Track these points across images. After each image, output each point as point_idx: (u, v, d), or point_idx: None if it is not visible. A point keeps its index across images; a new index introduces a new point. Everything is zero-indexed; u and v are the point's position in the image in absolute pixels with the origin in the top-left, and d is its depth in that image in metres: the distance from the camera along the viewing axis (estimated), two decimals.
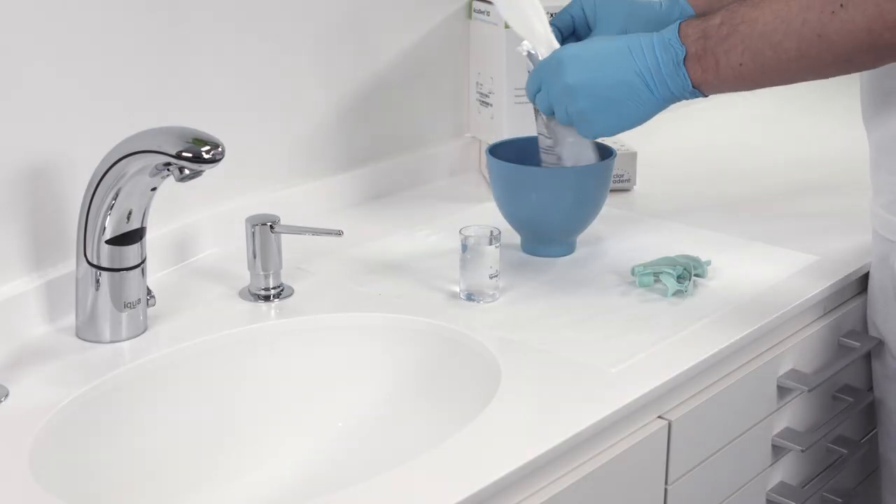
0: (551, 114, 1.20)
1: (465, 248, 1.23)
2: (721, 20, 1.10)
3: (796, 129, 1.91)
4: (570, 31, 1.30)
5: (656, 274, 1.27)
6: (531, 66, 1.24)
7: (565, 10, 1.31)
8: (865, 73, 1.24)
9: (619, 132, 1.17)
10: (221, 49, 1.34)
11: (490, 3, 1.55)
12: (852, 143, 1.73)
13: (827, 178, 1.65)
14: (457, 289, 1.26)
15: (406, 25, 1.56)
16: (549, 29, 1.24)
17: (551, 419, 1.02)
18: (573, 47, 1.17)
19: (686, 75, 1.11)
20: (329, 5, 1.45)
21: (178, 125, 1.10)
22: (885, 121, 1.22)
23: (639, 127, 1.76)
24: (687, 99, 1.14)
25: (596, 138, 1.20)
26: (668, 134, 1.88)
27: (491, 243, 1.23)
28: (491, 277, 1.23)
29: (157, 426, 1.11)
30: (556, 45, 1.23)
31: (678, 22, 1.13)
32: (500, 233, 1.24)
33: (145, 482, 1.08)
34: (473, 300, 1.23)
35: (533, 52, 1.24)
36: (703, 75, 1.11)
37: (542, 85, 1.19)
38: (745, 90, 1.13)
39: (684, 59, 1.11)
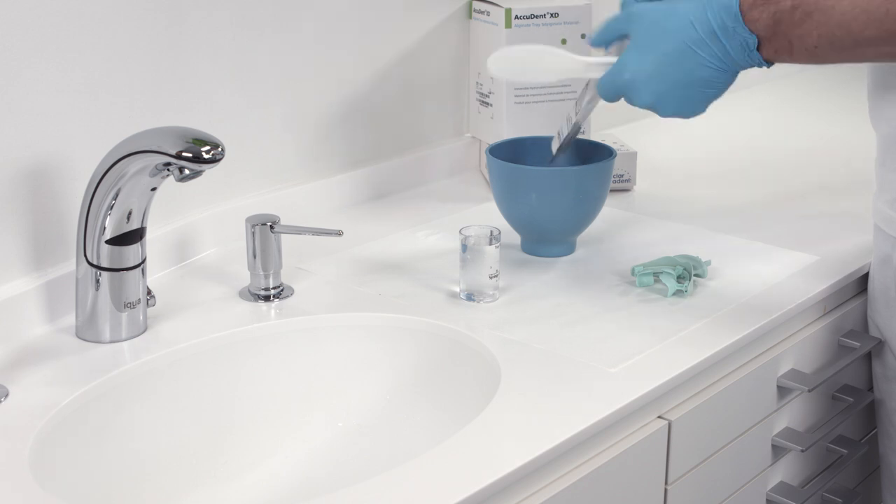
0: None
1: (465, 248, 1.23)
2: (792, 4, 1.09)
3: (797, 128, 1.91)
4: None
5: (656, 274, 1.27)
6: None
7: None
8: (871, 69, 1.24)
9: (709, 106, 1.17)
10: (221, 49, 1.34)
11: (492, 3, 1.55)
12: (853, 142, 1.74)
13: (827, 179, 1.65)
14: (457, 289, 1.26)
15: (406, 25, 1.56)
16: (577, 56, 1.22)
17: (551, 419, 1.02)
18: (631, 62, 1.14)
19: (760, 58, 1.11)
20: (329, 5, 1.45)
21: (178, 125, 1.10)
22: (893, 116, 1.22)
23: (642, 127, 1.77)
24: (759, 67, 1.13)
25: (691, 118, 1.19)
26: (668, 134, 1.89)
27: (491, 243, 1.23)
28: (491, 277, 1.23)
29: (157, 426, 1.11)
30: (597, 60, 1.20)
31: (735, 3, 1.10)
32: (500, 233, 1.24)
33: (145, 482, 1.08)
34: (473, 300, 1.23)
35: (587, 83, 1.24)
36: (776, 54, 1.11)
37: (624, 98, 1.18)
38: (814, 64, 1.12)
39: (756, 46, 1.10)
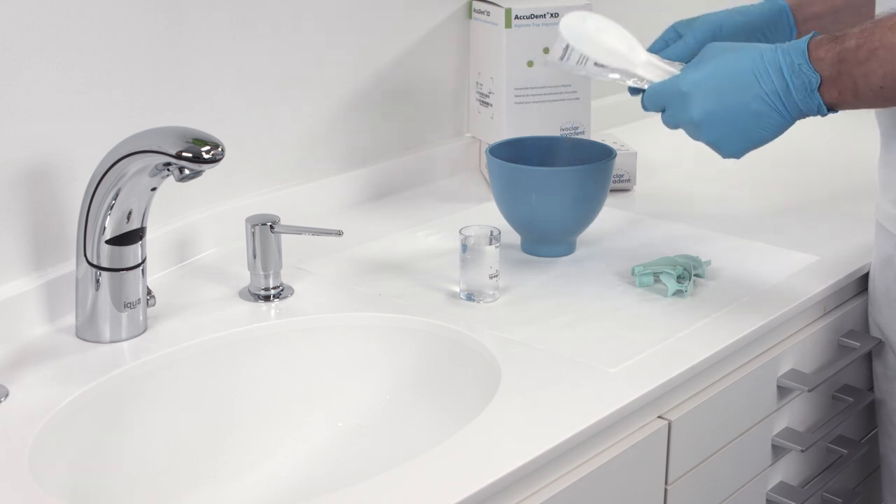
0: (675, 128, 1.18)
1: (465, 248, 1.23)
2: (857, 43, 1.08)
3: (797, 128, 1.91)
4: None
5: (656, 274, 1.27)
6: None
7: (661, 37, 1.30)
8: None
9: (748, 151, 1.16)
10: (221, 49, 1.34)
11: (492, 3, 1.55)
12: (854, 142, 1.74)
13: (827, 178, 1.65)
14: (457, 289, 1.26)
15: (406, 25, 1.56)
16: (642, 50, 1.20)
17: (551, 419, 1.02)
18: (693, 75, 1.14)
19: (820, 100, 1.10)
20: (329, 5, 1.45)
21: (178, 125, 1.10)
22: None
23: (642, 127, 1.77)
24: (817, 115, 1.12)
25: (728, 159, 1.18)
26: (668, 134, 1.88)
27: (491, 243, 1.23)
28: (491, 277, 1.23)
29: (157, 426, 1.11)
30: (661, 63, 1.19)
31: (805, 42, 1.10)
32: (500, 233, 1.24)
33: (145, 482, 1.08)
34: (473, 300, 1.23)
35: (638, 83, 1.20)
36: (840, 97, 1.10)
37: (666, 109, 1.16)
38: (883, 107, 1.12)
39: (818, 86, 1.09)
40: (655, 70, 1.18)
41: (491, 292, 1.24)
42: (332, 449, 1.16)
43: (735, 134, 1.13)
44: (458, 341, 1.17)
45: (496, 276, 1.23)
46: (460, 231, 1.24)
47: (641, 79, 1.19)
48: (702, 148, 1.84)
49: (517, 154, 1.37)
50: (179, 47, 1.29)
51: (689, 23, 1.31)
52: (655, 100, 1.17)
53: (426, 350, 1.19)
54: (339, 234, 1.25)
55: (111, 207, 1.09)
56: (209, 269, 1.32)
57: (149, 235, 1.16)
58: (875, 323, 1.33)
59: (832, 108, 1.11)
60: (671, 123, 1.17)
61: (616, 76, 1.20)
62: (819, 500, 1.35)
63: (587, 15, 1.21)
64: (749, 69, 1.12)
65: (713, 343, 1.15)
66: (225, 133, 1.13)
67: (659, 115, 1.19)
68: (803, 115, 1.12)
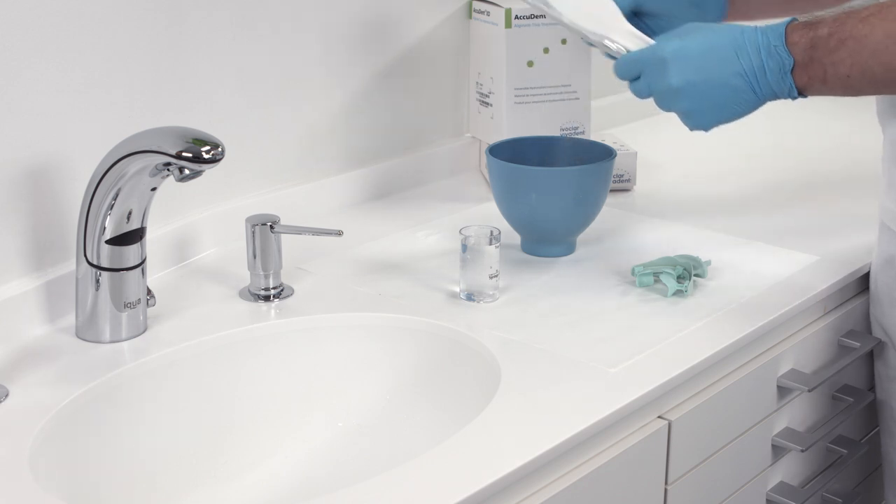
0: (645, 98, 1.19)
1: (465, 248, 1.23)
2: (829, 31, 1.10)
3: (797, 128, 1.91)
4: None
5: (656, 274, 1.27)
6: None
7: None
8: None
9: (717, 126, 1.18)
10: (221, 49, 1.34)
11: (492, 3, 1.55)
12: (854, 141, 1.74)
13: (828, 178, 1.65)
14: (457, 289, 1.26)
15: (406, 25, 1.56)
16: (624, 20, 1.21)
17: (551, 419, 1.02)
18: (674, 44, 1.16)
19: (792, 82, 1.12)
20: (329, 5, 1.45)
21: (178, 125, 1.10)
22: None
23: (642, 127, 1.77)
24: (786, 99, 1.15)
25: (695, 130, 1.20)
26: (668, 134, 1.88)
27: (491, 243, 1.23)
28: (491, 277, 1.23)
29: (157, 426, 1.11)
30: (640, 34, 1.20)
31: (784, 25, 1.13)
32: (500, 233, 1.24)
33: (145, 482, 1.08)
34: (473, 300, 1.23)
35: (614, 48, 1.20)
36: (809, 82, 1.12)
37: (642, 76, 1.18)
38: (850, 96, 1.14)
39: (791, 68, 1.12)
40: (633, 39, 1.19)
41: (491, 292, 1.24)
42: (332, 449, 1.16)
43: (710, 106, 1.15)
44: (458, 341, 1.17)
45: (496, 276, 1.23)
46: (460, 231, 1.24)
47: (617, 46, 1.20)
48: (702, 148, 1.84)
49: (517, 154, 1.37)
50: (179, 47, 1.29)
51: None
52: (631, 66, 1.18)
53: (426, 350, 1.19)
54: (339, 234, 1.25)
55: (111, 207, 1.09)
56: (209, 269, 1.32)
57: (149, 235, 1.16)
58: (878, 322, 1.33)
59: (802, 93, 1.13)
60: (643, 90, 1.18)
61: (592, 38, 1.21)
62: (819, 500, 1.35)
63: None
64: (730, 44, 1.13)
65: (713, 343, 1.15)
66: (225, 133, 1.13)
67: (630, 90, 1.20)
68: (775, 97, 1.15)
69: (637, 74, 1.18)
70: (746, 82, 1.13)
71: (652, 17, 1.34)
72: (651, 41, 1.19)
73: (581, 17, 1.21)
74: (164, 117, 1.24)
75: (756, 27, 1.14)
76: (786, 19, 1.14)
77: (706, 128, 1.18)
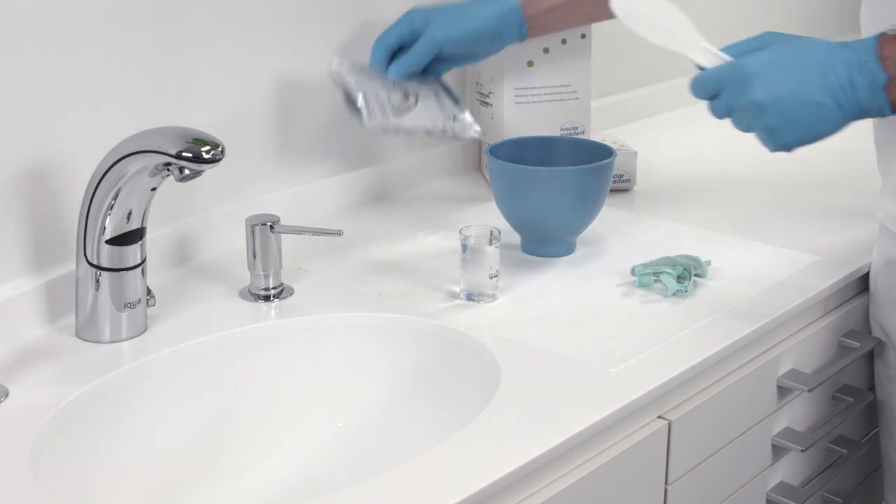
0: (724, 117, 1.13)
1: (465, 248, 1.23)
2: None
3: None
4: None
5: (656, 274, 1.27)
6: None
7: (395, 27, 1.38)
8: None
9: (800, 146, 1.12)
10: (221, 49, 1.34)
11: None
12: (854, 141, 1.74)
13: (828, 178, 1.65)
14: (457, 289, 1.26)
15: None
16: (700, 36, 1.15)
17: (551, 419, 1.02)
18: (759, 59, 1.10)
19: (885, 98, 1.07)
20: (329, 5, 1.45)
21: (178, 125, 1.10)
22: None
23: (642, 127, 1.76)
24: (879, 117, 1.10)
25: (776, 151, 1.14)
26: (668, 134, 1.89)
27: (491, 243, 1.23)
28: (491, 277, 1.23)
29: (157, 426, 1.11)
30: (716, 51, 1.14)
31: (875, 39, 1.08)
32: (500, 233, 1.24)
33: (145, 482, 1.08)
34: (473, 300, 1.23)
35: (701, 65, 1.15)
36: None
37: (721, 93, 1.11)
38: None
39: (885, 84, 1.07)
40: (711, 57, 1.14)
41: (491, 292, 1.24)
42: (332, 449, 1.16)
43: (794, 123, 1.09)
44: (458, 341, 1.17)
45: (496, 276, 1.23)
46: (460, 231, 1.24)
47: (696, 64, 1.15)
48: (702, 148, 1.84)
49: (517, 154, 1.37)
50: (179, 47, 1.29)
51: (425, 19, 1.37)
52: (710, 83, 1.12)
53: (426, 350, 1.19)
54: (339, 234, 1.25)
55: (111, 207, 1.09)
56: (209, 269, 1.32)
57: (149, 235, 1.16)
58: (877, 323, 1.33)
59: (893, 109, 1.08)
60: (722, 109, 1.12)
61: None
62: (819, 500, 1.35)
63: None
64: (817, 60, 1.09)
65: (713, 343, 1.15)
66: (225, 133, 1.13)
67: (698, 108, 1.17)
68: (864, 115, 1.09)
69: (716, 92, 1.12)
70: (833, 100, 1.08)
71: (453, 59, 1.40)
72: (727, 58, 1.13)
73: (658, 36, 1.16)
74: (164, 117, 1.24)
75: (844, 42, 1.09)
76: (874, 34, 1.09)
77: (789, 147, 1.11)
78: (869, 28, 1.23)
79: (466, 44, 1.37)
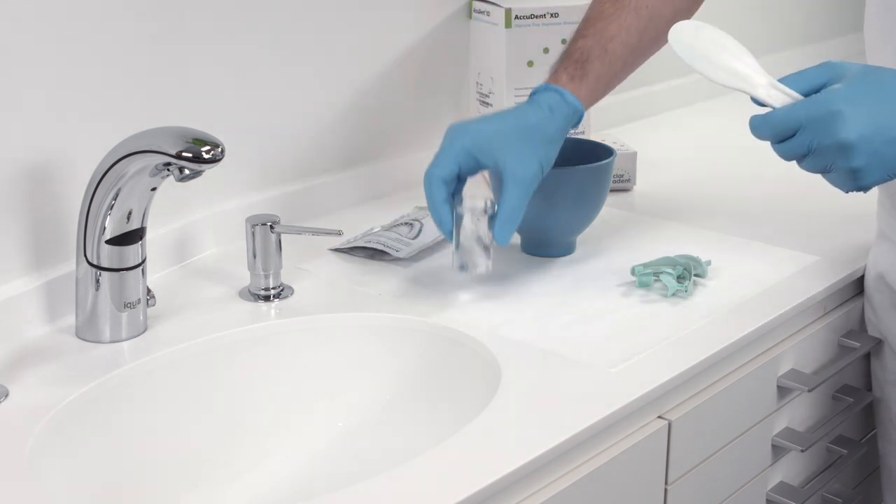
0: (796, 158, 1.07)
1: (459, 217, 1.21)
2: None
3: None
4: None
5: (656, 274, 1.27)
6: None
7: (446, 157, 1.20)
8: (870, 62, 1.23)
9: (879, 184, 1.08)
10: (221, 49, 1.34)
11: (492, 3, 1.55)
12: None
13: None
14: (457, 289, 1.26)
15: (406, 25, 1.56)
16: (762, 70, 1.09)
17: (551, 419, 1.02)
18: (842, 95, 1.03)
19: None
20: (329, 5, 1.45)
21: (178, 125, 1.10)
22: None
23: (642, 127, 1.74)
24: None
25: (853, 191, 1.09)
26: (668, 134, 1.89)
27: (486, 213, 1.21)
28: (485, 248, 1.22)
29: (157, 426, 1.11)
30: (784, 88, 1.07)
31: None
32: (494, 203, 1.21)
33: (145, 482, 1.08)
34: (466, 270, 1.22)
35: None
36: None
37: (800, 132, 1.05)
38: None
39: None
40: (777, 94, 1.08)
41: (484, 262, 1.22)
42: (332, 449, 1.16)
43: (880, 163, 1.03)
44: (458, 341, 1.17)
45: (490, 246, 1.22)
46: (455, 200, 1.21)
47: (761, 102, 1.10)
48: (702, 148, 1.84)
49: None
50: (179, 47, 1.29)
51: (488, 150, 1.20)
52: (788, 124, 1.05)
53: (426, 350, 1.19)
54: (339, 233, 1.25)
55: (111, 207, 1.09)
56: (209, 269, 1.32)
57: (149, 235, 1.16)
58: (874, 327, 1.33)
59: None
60: (800, 149, 1.05)
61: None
62: (819, 500, 1.35)
63: (700, 26, 1.12)
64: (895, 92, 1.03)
65: (713, 343, 1.15)
66: (225, 133, 1.13)
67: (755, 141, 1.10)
68: None
69: (791, 132, 1.05)
70: None
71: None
72: (797, 95, 1.07)
73: (719, 73, 1.11)
74: (164, 117, 1.24)
75: None
76: None
77: (869, 187, 1.06)
78: (874, 37, 1.22)
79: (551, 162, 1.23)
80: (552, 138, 1.22)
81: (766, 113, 1.07)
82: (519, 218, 1.19)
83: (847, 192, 1.08)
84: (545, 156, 1.21)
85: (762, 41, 2.19)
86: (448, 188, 1.20)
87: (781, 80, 1.09)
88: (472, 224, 1.21)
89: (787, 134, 1.06)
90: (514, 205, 1.18)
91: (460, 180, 1.21)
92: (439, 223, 1.20)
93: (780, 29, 2.23)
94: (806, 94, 1.07)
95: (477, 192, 1.24)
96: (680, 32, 1.12)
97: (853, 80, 1.05)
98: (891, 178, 1.05)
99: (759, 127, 1.07)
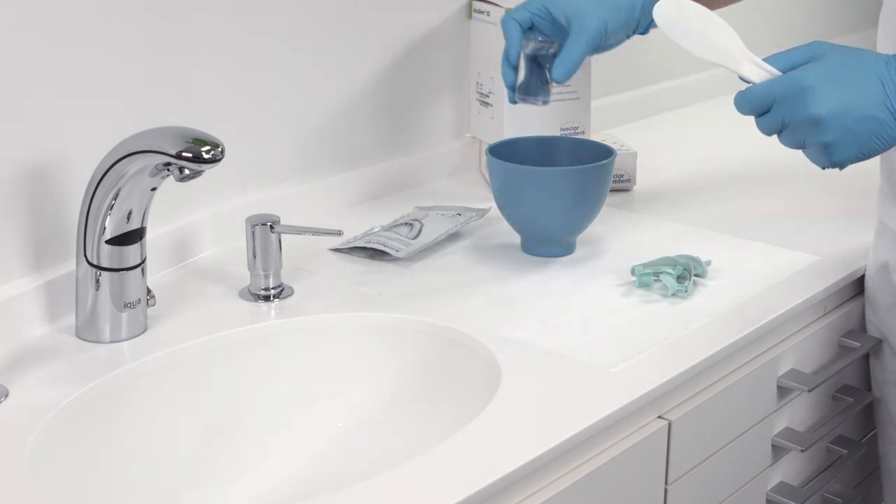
0: (774, 133, 1.09)
1: (526, 56, 1.30)
2: None
3: None
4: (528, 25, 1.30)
5: (656, 274, 1.27)
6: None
7: (524, 6, 1.30)
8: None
9: (854, 162, 1.09)
10: (221, 49, 1.34)
11: (492, 3, 1.55)
12: None
13: (828, 178, 1.65)
14: (458, 289, 1.25)
15: (406, 25, 1.56)
16: (747, 49, 1.12)
17: (551, 419, 1.02)
18: (815, 72, 1.06)
19: None
20: (329, 5, 1.45)
21: (178, 125, 1.10)
22: None
23: (642, 127, 1.74)
24: None
25: (829, 168, 1.10)
26: (668, 134, 1.89)
27: (549, 53, 1.29)
28: (545, 83, 1.30)
29: (157, 426, 1.11)
30: (766, 65, 1.11)
31: None
32: (557, 47, 1.29)
33: (145, 482, 1.08)
34: (526, 102, 1.31)
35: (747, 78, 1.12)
36: None
37: (773, 108, 1.08)
38: None
39: None
40: (759, 71, 1.11)
41: (542, 97, 1.31)
42: (332, 449, 1.16)
43: (852, 139, 1.06)
44: (458, 341, 1.17)
45: (549, 82, 1.30)
46: (523, 44, 1.29)
47: (743, 79, 1.12)
48: (702, 148, 1.84)
49: (517, 154, 1.37)
50: (179, 47, 1.29)
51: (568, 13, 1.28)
52: (763, 99, 1.08)
53: (426, 350, 1.19)
54: (339, 233, 1.25)
55: (111, 207, 1.09)
56: (209, 269, 1.32)
57: (149, 235, 1.16)
58: (875, 327, 1.33)
59: None
60: (774, 124, 1.08)
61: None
62: (819, 500, 1.35)
63: (685, 4, 1.14)
64: (875, 74, 1.06)
65: (713, 343, 1.15)
66: (225, 133, 1.13)
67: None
68: None
69: (768, 107, 1.08)
70: (890, 115, 1.05)
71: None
72: (777, 72, 1.09)
73: (703, 49, 1.12)
74: (164, 117, 1.24)
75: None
76: None
77: (843, 164, 1.08)
78: (887, 41, 1.23)
79: (616, 34, 1.29)
80: (620, 7, 1.29)
81: (746, 88, 1.10)
82: (577, 62, 1.27)
83: (823, 169, 1.10)
84: (612, 18, 1.28)
85: (762, 41, 2.19)
86: (521, 30, 1.29)
87: (767, 59, 1.11)
88: (536, 62, 1.29)
89: (763, 109, 1.08)
90: (575, 47, 1.27)
91: (532, 29, 1.31)
92: (508, 58, 1.30)
93: (780, 29, 2.23)
94: (786, 72, 1.09)
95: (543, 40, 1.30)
96: (666, 6, 1.14)
97: (831, 58, 1.07)
98: (865, 157, 1.07)
99: (740, 102, 1.10)
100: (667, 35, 1.14)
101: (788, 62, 1.10)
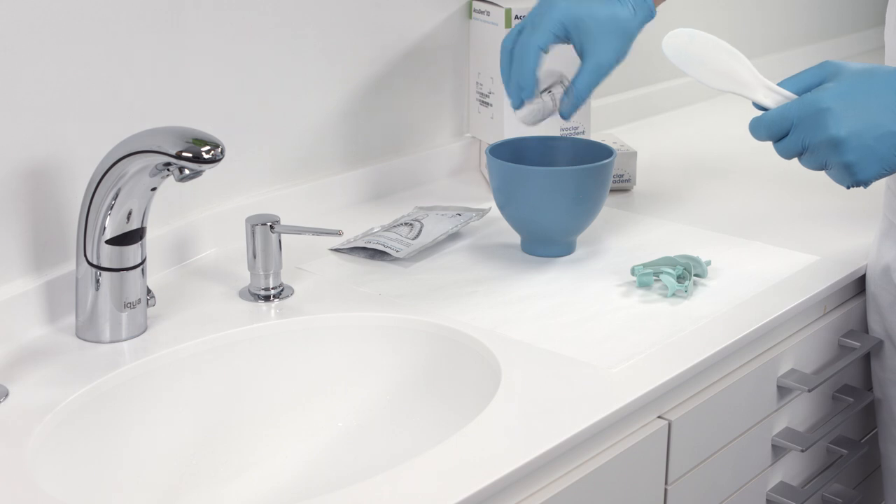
0: (794, 157, 1.09)
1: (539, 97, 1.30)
2: None
3: None
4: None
5: (656, 274, 1.27)
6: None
7: (543, 27, 1.24)
8: (889, 60, 1.23)
9: (878, 179, 1.08)
10: (221, 49, 1.34)
11: (492, 3, 1.55)
12: None
13: (827, 178, 1.65)
14: (457, 289, 1.25)
15: (406, 25, 1.56)
16: (757, 73, 1.12)
17: (551, 419, 1.02)
18: (831, 93, 1.06)
19: None
20: (329, 5, 1.45)
21: (178, 125, 1.10)
22: None
23: (642, 127, 1.74)
24: None
25: (853, 187, 1.09)
26: (668, 134, 1.89)
27: (563, 85, 1.29)
28: (549, 114, 1.30)
29: (157, 426, 1.11)
30: (778, 88, 1.10)
31: None
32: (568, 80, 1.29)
33: (145, 482, 1.08)
34: (528, 125, 1.31)
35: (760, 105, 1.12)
36: None
37: (792, 132, 1.07)
38: None
39: None
40: (773, 96, 1.11)
41: (543, 120, 1.31)
42: (332, 449, 1.16)
43: (873, 156, 1.05)
44: (458, 341, 1.17)
45: (553, 113, 1.30)
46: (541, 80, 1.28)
47: (758, 105, 1.12)
48: (702, 148, 1.84)
49: (517, 154, 1.38)
50: (179, 47, 1.29)
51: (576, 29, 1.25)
52: (780, 123, 1.08)
53: (426, 350, 1.19)
54: (339, 233, 1.25)
55: (111, 207, 1.09)
56: (209, 269, 1.32)
57: (149, 235, 1.16)
58: (877, 326, 1.33)
59: None
60: (794, 147, 1.08)
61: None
62: (819, 500, 1.35)
63: (694, 33, 1.13)
64: (890, 89, 1.05)
65: (713, 343, 1.15)
66: (225, 133, 1.13)
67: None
68: None
69: (785, 132, 1.08)
70: None
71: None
72: (792, 95, 1.09)
73: (715, 79, 1.13)
74: (164, 117, 1.24)
75: None
76: None
77: (867, 182, 1.07)
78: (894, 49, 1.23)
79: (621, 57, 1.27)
80: (631, 35, 1.27)
81: (761, 114, 1.10)
82: (587, 97, 1.27)
83: (848, 188, 1.10)
84: (622, 49, 1.26)
85: (762, 41, 2.19)
86: (541, 56, 1.26)
87: (780, 84, 1.11)
88: (546, 96, 1.29)
89: (781, 133, 1.08)
90: (587, 84, 1.26)
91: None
92: (520, 88, 1.26)
93: (780, 29, 2.23)
94: (801, 94, 1.09)
95: (553, 68, 1.29)
96: (675, 40, 1.14)
97: (845, 78, 1.07)
98: (888, 173, 1.07)
99: (756, 128, 1.10)
100: (678, 67, 1.14)
101: (802, 85, 1.09)
